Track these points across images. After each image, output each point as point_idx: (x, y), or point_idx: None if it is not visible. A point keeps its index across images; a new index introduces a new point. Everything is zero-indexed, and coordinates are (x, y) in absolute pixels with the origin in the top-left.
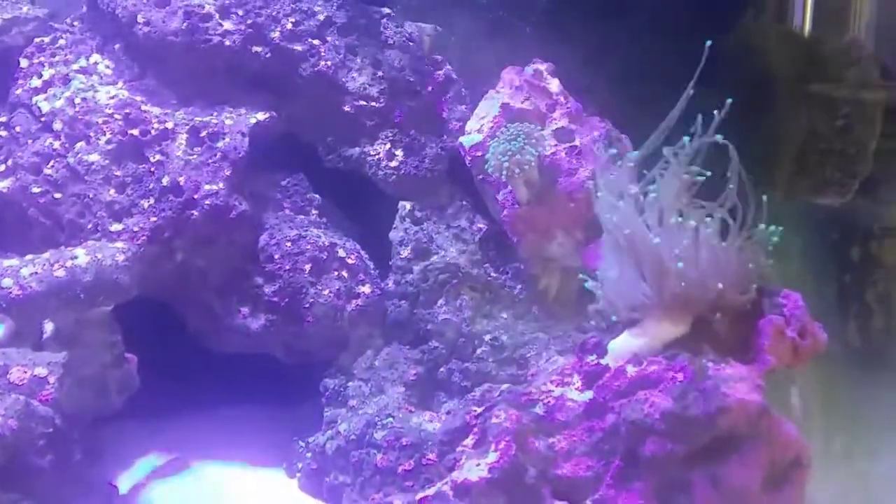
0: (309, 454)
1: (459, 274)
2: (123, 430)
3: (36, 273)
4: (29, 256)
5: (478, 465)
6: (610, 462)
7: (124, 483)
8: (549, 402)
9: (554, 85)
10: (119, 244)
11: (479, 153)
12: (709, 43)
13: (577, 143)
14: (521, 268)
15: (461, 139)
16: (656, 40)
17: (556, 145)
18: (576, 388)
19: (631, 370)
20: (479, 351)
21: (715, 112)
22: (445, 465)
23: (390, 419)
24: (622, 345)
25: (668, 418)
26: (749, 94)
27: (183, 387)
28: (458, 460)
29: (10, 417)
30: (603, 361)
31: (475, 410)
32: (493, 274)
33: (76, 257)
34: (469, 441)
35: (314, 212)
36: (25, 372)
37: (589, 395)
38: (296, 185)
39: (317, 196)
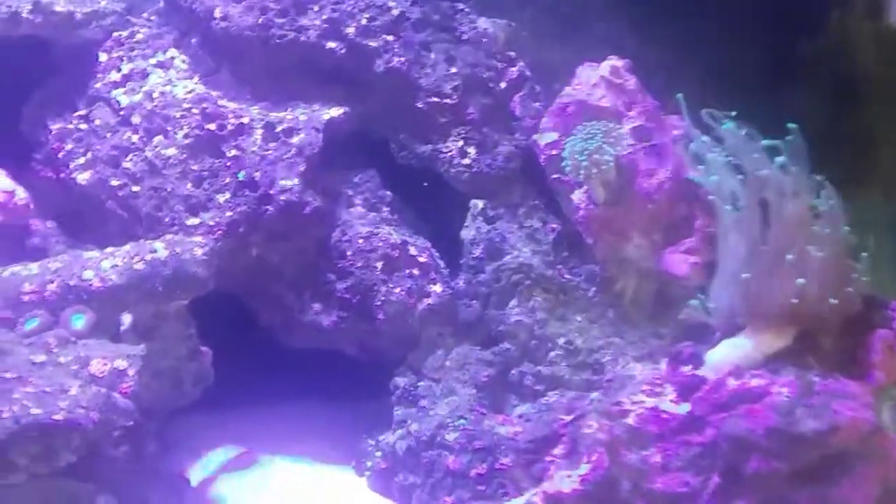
0: (378, 453)
1: (533, 275)
2: (194, 423)
3: (116, 266)
4: (109, 249)
5: (569, 476)
6: (708, 478)
7: (194, 475)
8: (641, 413)
9: (631, 82)
10: (197, 238)
11: (555, 151)
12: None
13: (655, 142)
14: (596, 270)
15: (535, 137)
16: (739, 38)
17: (633, 144)
18: (669, 400)
19: (732, 383)
20: (552, 354)
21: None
22: (533, 474)
23: (462, 421)
24: (722, 356)
25: (773, 435)
26: (842, 94)
27: (252, 380)
28: (546, 470)
29: (93, 410)
30: (699, 372)
31: (563, 419)
32: (566, 276)
33: (156, 251)
34: (558, 450)
35: (385, 209)
36: (105, 364)
37: (685, 407)
38: (367, 182)
39: (388, 193)
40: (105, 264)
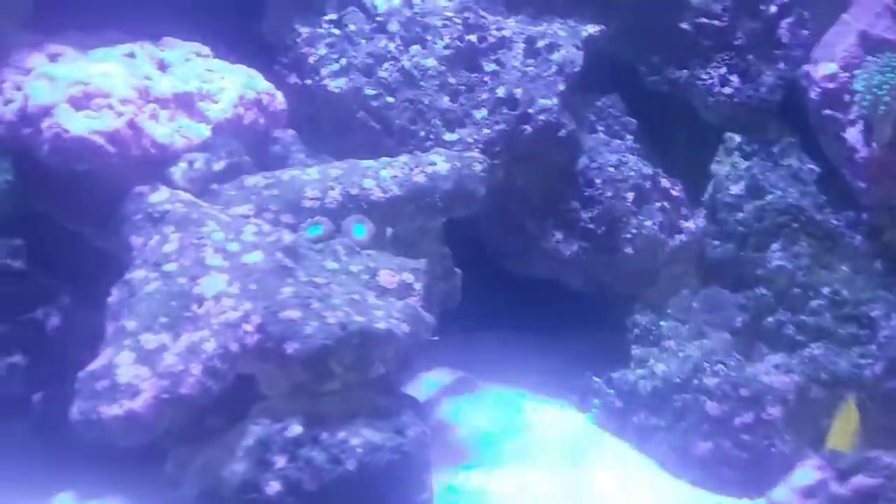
0: (611, 391)
1: (802, 217)
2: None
3: (396, 177)
4: (384, 159)
5: None
6: None
7: (415, 394)
8: None
9: None
10: (475, 153)
11: (831, 85)
12: None
13: None
14: (863, 216)
15: (807, 68)
16: None
17: None
18: None
19: None
20: (813, 303)
21: None
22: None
23: (721, 366)
24: None
25: None
26: None
27: (474, 305)
28: None
29: (405, 321)
30: None
31: None
32: (833, 221)
33: (434, 163)
34: None
35: (629, 137)
36: (394, 276)
37: None
38: (611, 108)
39: (633, 120)
40: (384, 174)
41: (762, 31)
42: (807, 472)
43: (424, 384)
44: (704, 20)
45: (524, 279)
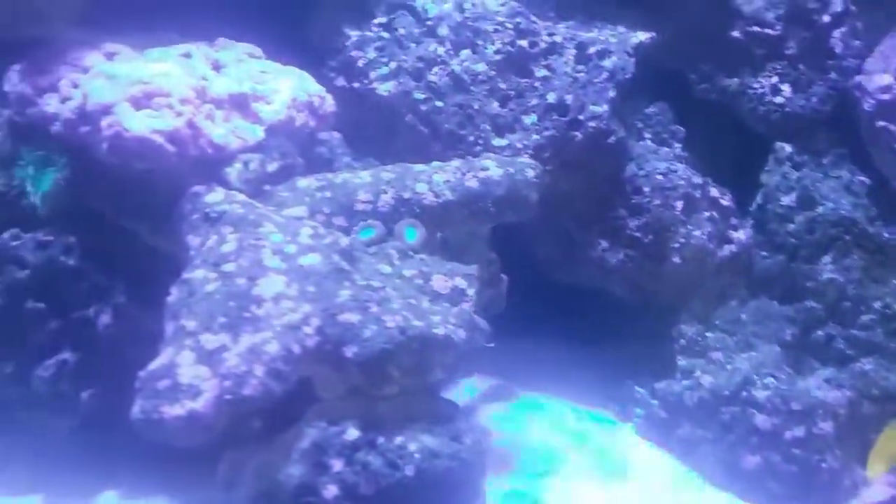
0: (655, 401)
1: (854, 230)
2: None
3: (449, 181)
4: (436, 163)
5: None
6: None
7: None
8: None
9: None
10: (527, 159)
11: (886, 96)
12: None
13: None
14: None
15: (860, 79)
16: None
17: None
18: None
19: None
20: (864, 318)
21: None
22: None
23: (772, 379)
24: None
25: None
26: None
27: (513, 311)
28: None
29: (461, 327)
30: None
31: None
32: (885, 234)
33: (487, 168)
34: None
35: (677, 145)
36: (447, 281)
37: None
38: (658, 115)
39: (681, 128)
40: (437, 178)
41: (814, 40)
42: (878, 489)
43: (463, 391)
44: (757, 29)
45: (568, 286)
